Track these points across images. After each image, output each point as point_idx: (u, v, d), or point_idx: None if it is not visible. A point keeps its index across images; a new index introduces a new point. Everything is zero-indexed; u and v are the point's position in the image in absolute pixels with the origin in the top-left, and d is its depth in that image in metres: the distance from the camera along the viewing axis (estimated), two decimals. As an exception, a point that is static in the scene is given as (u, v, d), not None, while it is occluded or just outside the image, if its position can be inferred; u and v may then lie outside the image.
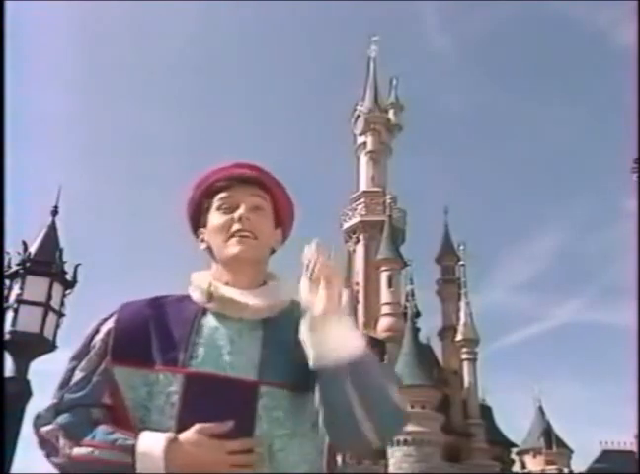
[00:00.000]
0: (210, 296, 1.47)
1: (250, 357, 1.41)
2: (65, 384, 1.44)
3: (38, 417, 1.41)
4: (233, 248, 1.48)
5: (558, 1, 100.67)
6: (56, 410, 1.40)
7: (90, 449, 1.33)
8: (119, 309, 1.50)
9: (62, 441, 1.36)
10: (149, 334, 1.43)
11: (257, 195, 1.53)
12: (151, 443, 1.31)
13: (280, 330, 1.45)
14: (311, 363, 1.33)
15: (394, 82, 53.38)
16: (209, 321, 1.46)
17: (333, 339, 1.32)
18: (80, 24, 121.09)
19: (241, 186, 1.53)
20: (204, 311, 1.47)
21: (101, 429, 1.36)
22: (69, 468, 1.35)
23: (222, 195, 1.53)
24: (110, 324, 1.47)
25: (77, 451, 1.34)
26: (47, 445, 1.38)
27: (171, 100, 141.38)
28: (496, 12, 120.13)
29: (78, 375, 1.44)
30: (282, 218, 1.60)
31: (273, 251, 1.59)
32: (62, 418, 1.38)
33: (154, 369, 1.39)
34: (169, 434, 1.32)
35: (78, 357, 1.46)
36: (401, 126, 52.14)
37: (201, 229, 1.57)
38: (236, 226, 1.48)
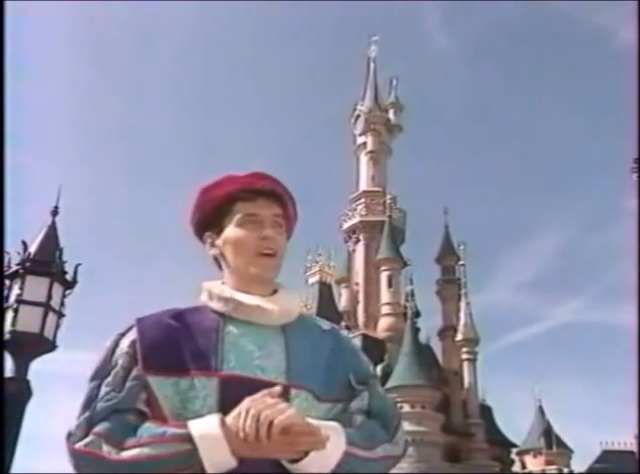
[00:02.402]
0: (234, 304, 1.49)
1: (278, 362, 1.44)
2: (90, 403, 1.38)
3: (70, 435, 1.35)
4: (257, 268, 1.52)
5: (559, 1, 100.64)
6: (89, 423, 1.34)
7: (140, 449, 1.28)
8: (135, 323, 1.48)
9: (106, 448, 1.29)
10: (175, 342, 1.43)
11: (276, 212, 1.57)
12: (205, 426, 1.29)
13: (298, 337, 1.51)
14: None
15: (394, 82, 53.35)
16: (233, 328, 1.48)
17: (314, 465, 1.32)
18: (81, 23, 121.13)
19: (263, 200, 1.56)
20: (225, 319, 1.49)
21: (147, 426, 1.32)
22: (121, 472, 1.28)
23: (247, 210, 1.55)
24: (132, 336, 1.45)
25: (127, 454, 1.28)
26: (87, 459, 1.31)
27: (172, 99, 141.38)
28: (496, 12, 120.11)
29: (106, 388, 1.39)
30: (291, 230, 1.66)
31: None
32: (100, 427, 1.33)
33: (186, 376, 1.39)
34: (218, 415, 1.30)
35: (100, 375, 1.42)
36: (401, 126, 52.07)
37: (210, 234, 1.58)
38: (264, 245, 1.52)
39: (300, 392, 1.42)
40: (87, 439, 1.32)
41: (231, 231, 1.55)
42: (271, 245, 1.52)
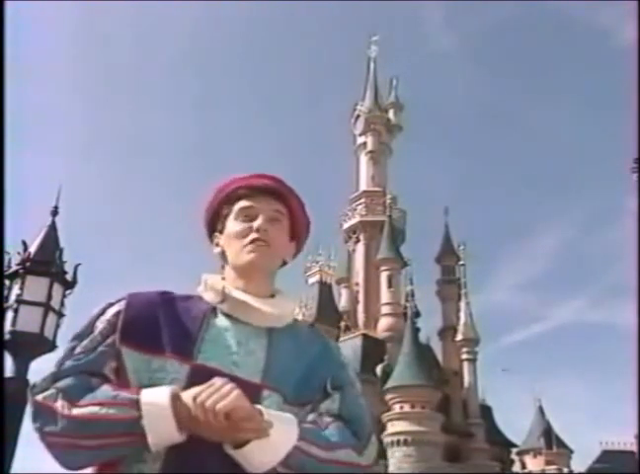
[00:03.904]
0: (224, 297, 1.50)
1: (255, 361, 1.44)
2: (65, 361, 1.41)
3: (34, 386, 1.37)
4: (249, 255, 1.52)
5: (559, 1, 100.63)
6: (54, 378, 1.37)
7: (91, 407, 1.29)
8: (126, 296, 1.50)
9: (60, 403, 1.31)
10: (159, 322, 1.44)
11: (276, 207, 1.58)
12: (156, 395, 1.30)
13: (283, 341, 1.50)
14: (248, 470, 1.31)
15: (394, 82, 53.45)
16: (219, 321, 1.49)
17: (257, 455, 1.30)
18: (81, 23, 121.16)
19: (262, 196, 1.57)
20: (214, 311, 1.50)
21: (103, 388, 1.34)
22: (68, 430, 1.29)
23: (243, 204, 1.57)
24: (118, 307, 1.47)
25: (77, 411, 1.30)
26: (43, 412, 1.32)
27: (171, 99, 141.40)
28: (496, 11, 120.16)
29: (79, 350, 1.42)
30: (297, 232, 1.64)
31: (284, 263, 1.64)
32: (62, 382, 1.35)
33: (160, 356, 1.40)
34: (173, 387, 1.31)
35: (80, 337, 1.45)
36: (401, 126, 52.15)
37: (217, 234, 1.61)
38: (253, 235, 1.53)
39: (273, 394, 1.41)
40: (46, 392, 1.34)
41: (229, 226, 1.58)
42: (262, 235, 1.52)
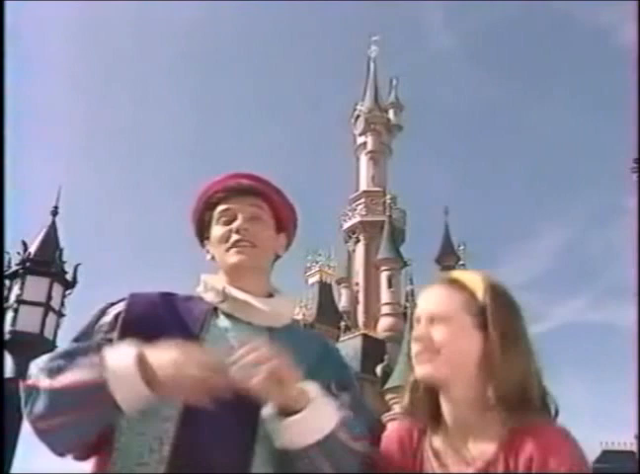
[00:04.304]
0: (224, 297, 1.50)
1: None
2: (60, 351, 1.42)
3: (28, 376, 1.39)
4: (233, 257, 1.52)
5: (559, 0, 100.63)
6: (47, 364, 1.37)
7: (68, 374, 1.28)
8: (127, 297, 1.50)
9: (43, 378, 1.32)
10: (159, 323, 1.44)
11: (254, 204, 1.58)
12: (121, 351, 1.27)
13: (282, 340, 1.49)
14: (281, 444, 1.30)
15: (394, 82, 53.40)
16: (220, 321, 1.49)
17: (300, 424, 1.29)
18: (81, 23, 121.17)
19: (239, 196, 1.58)
20: (215, 312, 1.50)
21: (81, 348, 1.35)
22: (49, 407, 1.28)
23: (221, 207, 1.58)
24: (119, 308, 1.48)
25: (56, 382, 1.29)
26: (29, 392, 1.33)
27: (171, 99, 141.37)
28: (497, 11, 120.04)
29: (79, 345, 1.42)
30: (284, 224, 1.64)
31: (277, 257, 1.64)
32: (51, 363, 1.35)
33: None
34: (139, 348, 1.28)
35: (82, 338, 1.46)
36: (401, 126, 52.11)
37: (206, 241, 1.62)
38: (234, 237, 1.53)
39: None
40: (34, 373, 1.36)
41: (212, 231, 1.59)
42: (243, 235, 1.52)
